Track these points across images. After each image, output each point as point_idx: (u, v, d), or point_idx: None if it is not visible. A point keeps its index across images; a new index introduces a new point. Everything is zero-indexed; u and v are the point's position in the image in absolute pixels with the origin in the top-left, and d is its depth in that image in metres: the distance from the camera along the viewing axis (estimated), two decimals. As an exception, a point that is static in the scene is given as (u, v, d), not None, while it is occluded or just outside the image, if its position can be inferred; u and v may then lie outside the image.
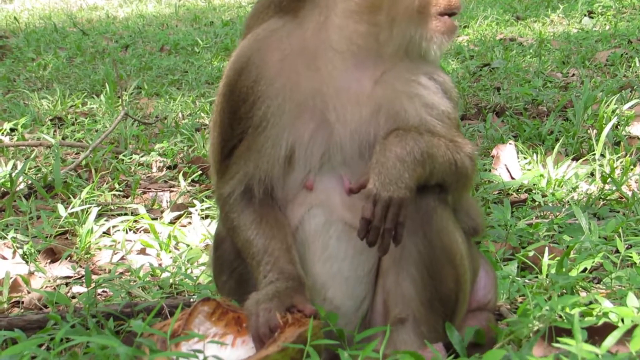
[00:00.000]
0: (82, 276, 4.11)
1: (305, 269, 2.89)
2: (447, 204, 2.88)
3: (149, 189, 5.82)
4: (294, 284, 2.78)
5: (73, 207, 4.92)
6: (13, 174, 5.49)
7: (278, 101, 2.84)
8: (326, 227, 2.90)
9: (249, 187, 2.93)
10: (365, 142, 2.86)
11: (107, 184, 5.76)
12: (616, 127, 6.22)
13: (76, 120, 7.87)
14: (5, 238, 4.57)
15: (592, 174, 5.38)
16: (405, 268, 2.81)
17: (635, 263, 3.79)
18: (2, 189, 5.61)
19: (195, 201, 5.15)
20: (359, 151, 2.86)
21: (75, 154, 6.77)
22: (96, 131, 7.36)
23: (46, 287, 4.11)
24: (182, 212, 5.01)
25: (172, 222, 4.86)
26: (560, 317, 3.01)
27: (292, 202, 2.94)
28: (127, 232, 4.76)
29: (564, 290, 3.50)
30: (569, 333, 2.58)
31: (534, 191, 5.21)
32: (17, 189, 5.47)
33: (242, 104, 2.88)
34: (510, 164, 5.55)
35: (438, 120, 2.88)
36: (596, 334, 2.74)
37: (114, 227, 4.85)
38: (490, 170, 5.54)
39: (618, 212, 4.71)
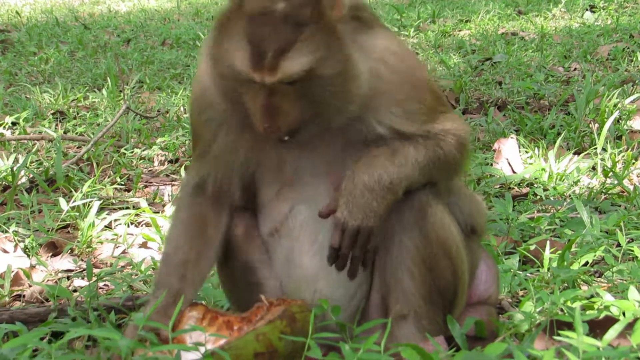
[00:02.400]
0: (84, 270, 4.12)
1: (293, 262, 2.88)
2: (440, 196, 2.84)
3: (151, 182, 5.83)
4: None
5: (75, 201, 4.91)
6: (15, 168, 5.48)
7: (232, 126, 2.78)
8: (314, 219, 2.82)
9: (203, 182, 2.91)
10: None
11: (108, 177, 5.76)
12: (618, 121, 6.21)
13: (78, 114, 7.87)
14: (6, 231, 4.57)
15: (593, 168, 5.38)
16: (404, 265, 2.79)
17: (637, 257, 3.79)
18: (4, 182, 5.61)
19: (196, 195, 5.14)
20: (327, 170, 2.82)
21: (77, 147, 6.77)
22: (98, 125, 7.36)
23: (47, 280, 4.11)
24: (183, 206, 5.00)
25: (173, 216, 4.85)
26: (562, 310, 3.02)
27: (275, 199, 2.90)
28: (128, 226, 4.76)
29: (566, 284, 3.51)
30: (570, 326, 2.58)
31: (535, 185, 5.21)
32: (19, 182, 5.47)
33: (201, 126, 2.86)
34: (512, 158, 5.55)
35: (407, 117, 2.72)
36: (597, 328, 2.75)
37: (115, 220, 4.84)
38: (491, 164, 5.53)
39: (619, 206, 4.71)
